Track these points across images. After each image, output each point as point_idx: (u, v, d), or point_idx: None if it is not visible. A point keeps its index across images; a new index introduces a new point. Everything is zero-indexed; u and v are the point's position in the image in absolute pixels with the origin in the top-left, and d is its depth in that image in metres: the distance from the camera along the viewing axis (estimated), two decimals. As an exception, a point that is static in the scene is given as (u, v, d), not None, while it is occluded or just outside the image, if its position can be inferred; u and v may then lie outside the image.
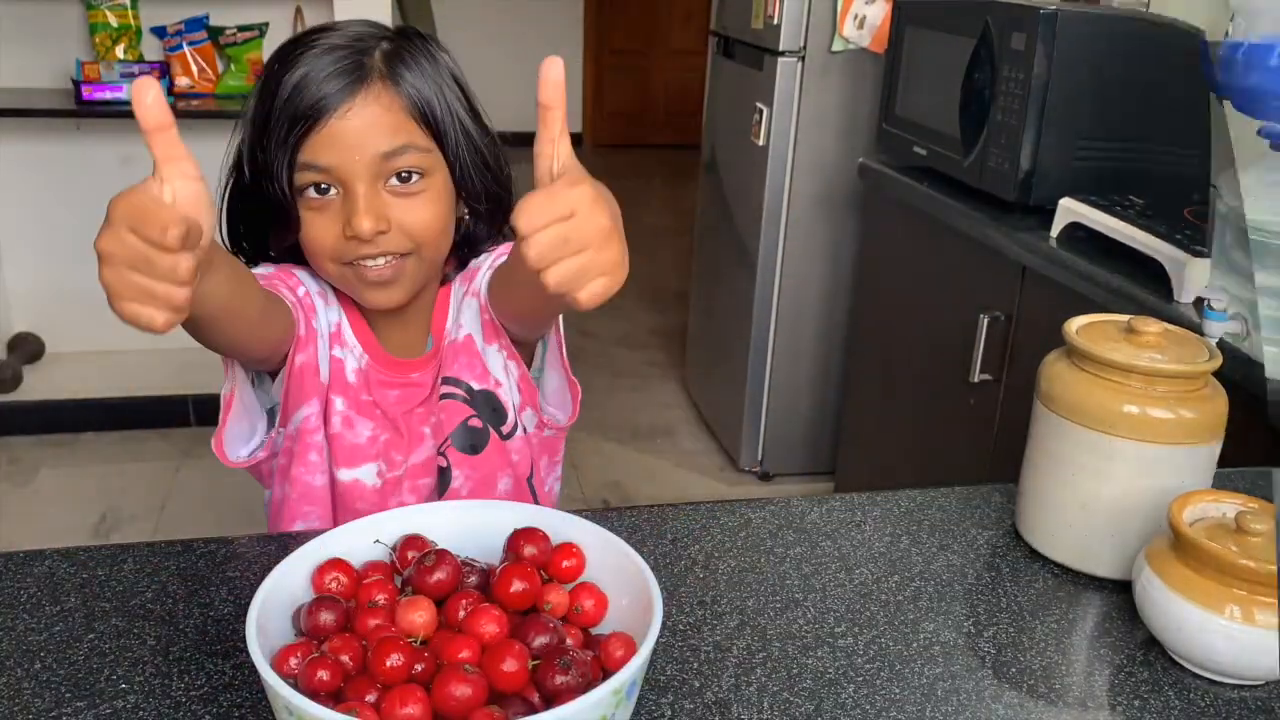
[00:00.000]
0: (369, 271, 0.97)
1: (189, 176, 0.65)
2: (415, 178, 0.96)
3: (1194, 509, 0.80)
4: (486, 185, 1.03)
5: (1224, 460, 1.02)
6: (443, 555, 0.70)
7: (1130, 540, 0.85)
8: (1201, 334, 1.32)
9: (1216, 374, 0.87)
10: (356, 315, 1.07)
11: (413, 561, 0.71)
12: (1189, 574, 0.75)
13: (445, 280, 1.10)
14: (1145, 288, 1.55)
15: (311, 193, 0.95)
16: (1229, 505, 0.80)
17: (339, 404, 1.06)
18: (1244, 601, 0.72)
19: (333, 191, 0.95)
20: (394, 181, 0.96)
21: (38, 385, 3.01)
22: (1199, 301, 1.47)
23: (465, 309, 1.08)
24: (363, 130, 0.93)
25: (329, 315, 1.06)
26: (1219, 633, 0.73)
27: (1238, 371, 1.33)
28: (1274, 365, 1.29)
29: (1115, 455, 0.84)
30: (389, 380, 1.07)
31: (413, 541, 0.74)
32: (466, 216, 1.05)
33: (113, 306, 0.62)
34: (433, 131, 0.98)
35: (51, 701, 0.69)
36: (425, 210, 0.97)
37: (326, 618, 0.67)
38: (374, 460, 1.07)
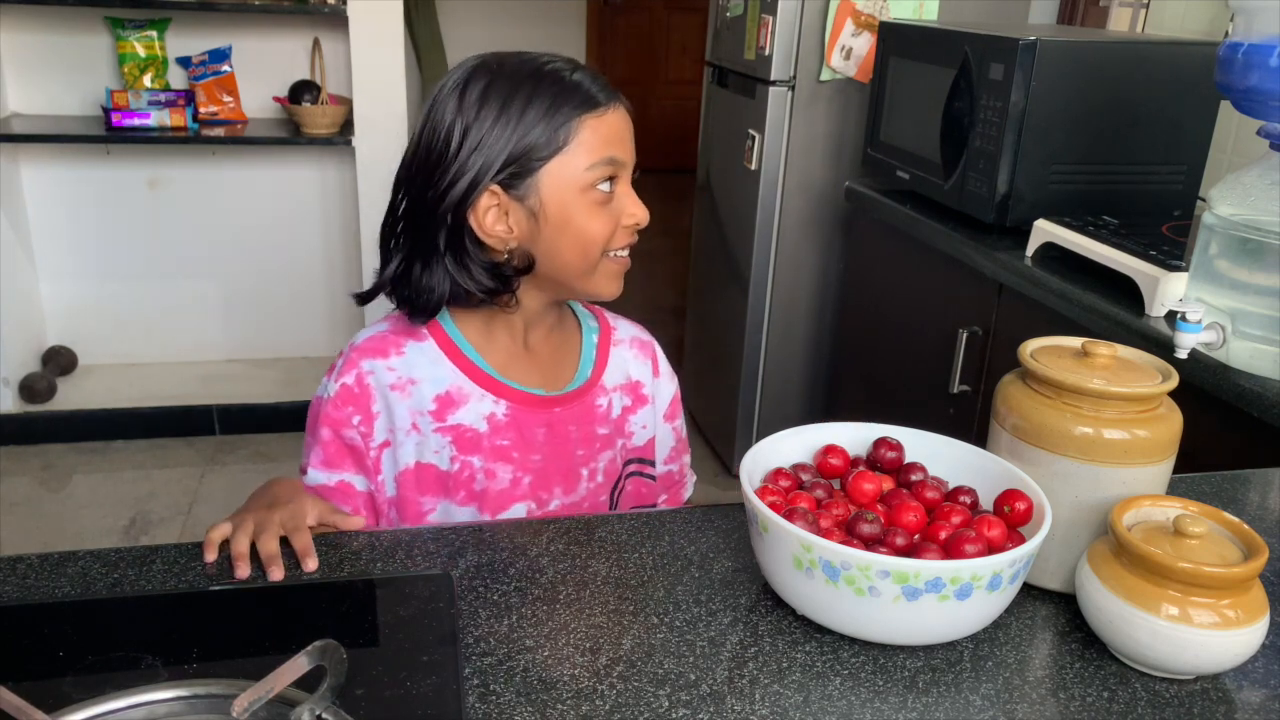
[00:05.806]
0: (620, 261, 1.02)
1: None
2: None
3: (1135, 513, 0.78)
4: None
5: (1193, 466, 1.02)
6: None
7: (1079, 554, 0.82)
8: (1173, 347, 1.32)
9: (1185, 384, 0.86)
10: (475, 369, 1.03)
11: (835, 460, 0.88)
12: (1126, 575, 0.74)
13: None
14: (1118, 304, 1.54)
15: (604, 187, 0.98)
16: (1170, 509, 0.78)
17: (476, 461, 1.03)
18: (1179, 602, 0.71)
19: (608, 187, 0.99)
20: None
21: (71, 396, 3.01)
22: (1171, 315, 1.46)
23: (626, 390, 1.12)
24: (630, 132, 1.00)
25: (432, 388, 1.02)
26: (1156, 632, 0.72)
27: (1209, 380, 1.33)
28: (1271, 364, 1.28)
29: (1068, 475, 0.81)
30: (534, 418, 1.05)
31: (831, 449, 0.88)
32: None
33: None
34: None
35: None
36: None
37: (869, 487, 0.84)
38: (522, 501, 1.05)
